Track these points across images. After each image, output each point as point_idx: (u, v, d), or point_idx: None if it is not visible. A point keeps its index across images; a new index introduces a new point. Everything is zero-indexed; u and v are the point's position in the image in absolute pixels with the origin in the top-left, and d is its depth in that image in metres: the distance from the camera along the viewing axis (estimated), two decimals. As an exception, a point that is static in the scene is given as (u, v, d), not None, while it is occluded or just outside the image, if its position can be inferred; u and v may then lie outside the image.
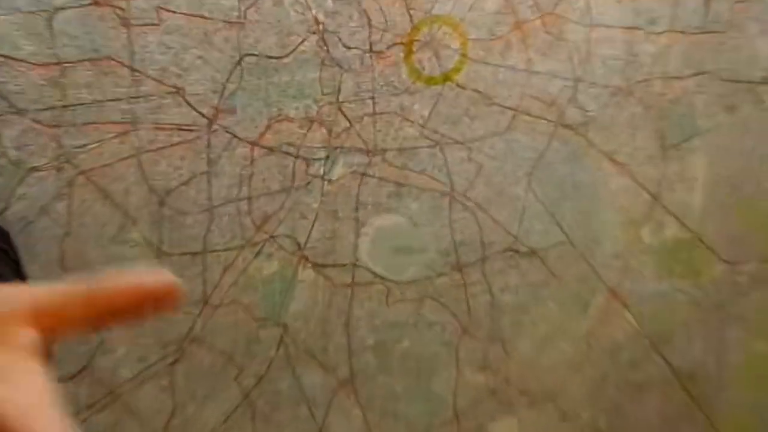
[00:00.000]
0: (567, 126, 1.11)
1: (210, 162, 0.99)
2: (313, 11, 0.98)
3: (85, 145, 0.93)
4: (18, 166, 0.92)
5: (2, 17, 0.88)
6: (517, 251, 1.14)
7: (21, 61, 0.89)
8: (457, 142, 1.07)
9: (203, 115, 0.97)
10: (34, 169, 0.92)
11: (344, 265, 1.07)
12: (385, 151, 1.05)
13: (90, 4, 0.91)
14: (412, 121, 1.05)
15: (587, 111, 1.12)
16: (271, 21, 0.97)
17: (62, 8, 0.90)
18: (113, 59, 0.93)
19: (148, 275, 0.26)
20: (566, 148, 1.12)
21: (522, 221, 1.13)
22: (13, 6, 0.88)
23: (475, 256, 1.12)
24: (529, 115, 1.09)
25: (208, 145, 0.98)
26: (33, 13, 0.89)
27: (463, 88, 1.05)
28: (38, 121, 0.91)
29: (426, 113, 1.05)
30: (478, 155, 1.09)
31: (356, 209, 1.06)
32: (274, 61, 0.98)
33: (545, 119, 1.10)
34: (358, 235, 1.07)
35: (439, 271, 1.11)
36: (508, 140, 1.09)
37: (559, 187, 1.13)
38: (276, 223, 1.03)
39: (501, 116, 1.08)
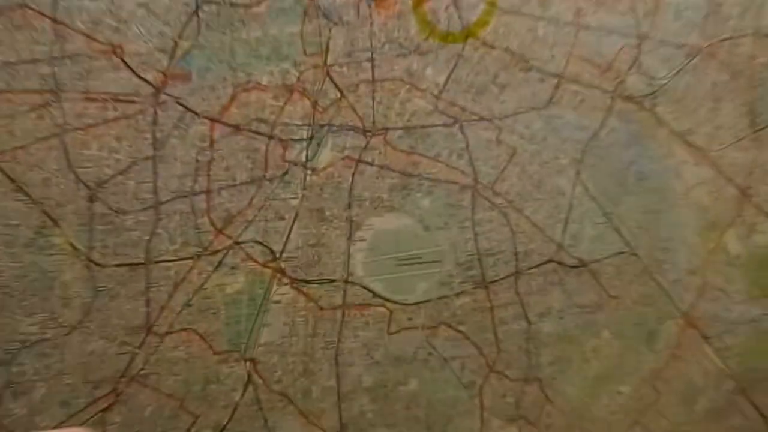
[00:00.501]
0: (628, 98, 1.11)
1: (157, 144, 0.99)
2: None
3: None
4: None
5: None
6: (561, 263, 1.14)
7: None
8: (482, 119, 1.07)
9: (147, 82, 0.97)
10: None
11: (333, 281, 1.07)
12: (387, 129, 1.05)
13: None
14: (424, 91, 1.05)
15: (655, 79, 1.12)
16: None
17: None
18: (29, 8, 0.92)
19: None
20: (627, 128, 1.12)
21: (568, 224, 1.13)
22: None
23: (506, 269, 1.13)
24: (577, 83, 1.09)
25: (154, 122, 0.98)
26: None
27: (491, 47, 1.06)
28: None
29: (441, 80, 1.05)
30: (510, 136, 1.09)
31: (349, 207, 1.06)
32: (241, 10, 0.98)
33: (599, 89, 1.10)
34: (351, 241, 1.07)
35: (459, 290, 1.11)
36: (550, 117, 1.09)
37: (618, 179, 1.13)
38: (243, 225, 1.03)
39: (540, 85, 1.08)
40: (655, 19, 1.10)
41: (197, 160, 1.00)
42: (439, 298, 1.11)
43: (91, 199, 0.98)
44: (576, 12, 1.08)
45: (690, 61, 1.12)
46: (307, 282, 1.07)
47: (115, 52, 0.95)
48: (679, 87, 1.13)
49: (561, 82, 1.09)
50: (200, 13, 0.97)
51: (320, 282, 1.07)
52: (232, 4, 0.98)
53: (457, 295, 1.11)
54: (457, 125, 1.07)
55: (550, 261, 1.14)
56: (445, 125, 1.07)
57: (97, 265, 0.99)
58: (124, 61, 0.96)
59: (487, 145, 1.09)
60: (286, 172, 1.03)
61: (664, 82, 1.12)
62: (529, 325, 1.14)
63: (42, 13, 0.93)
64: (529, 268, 1.13)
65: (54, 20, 0.93)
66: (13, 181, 0.95)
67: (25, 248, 0.96)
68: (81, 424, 1.00)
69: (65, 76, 0.94)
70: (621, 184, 1.14)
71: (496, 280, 1.12)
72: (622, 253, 1.16)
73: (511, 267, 1.13)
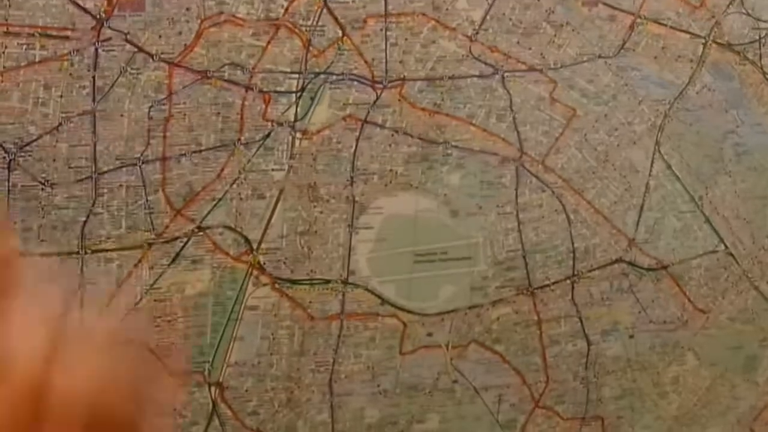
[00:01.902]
0: (726, 46, 1.13)
1: (97, 94, 1.00)
2: None
3: None
4: None
5: None
6: (633, 265, 1.15)
7: None
8: (531, 69, 1.09)
9: (86, 11, 0.97)
10: None
11: (327, 282, 1.08)
12: (404, 80, 1.06)
13: None
14: (453, 29, 1.06)
15: (761, 21, 1.13)
16: None
17: None
18: None
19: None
20: (724, 86, 1.14)
21: (643, 212, 1.14)
22: None
23: (560, 271, 1.14)
24: (658, 23, 1.11)
25: (94, 66, 0.99)
26: None
27: None
28: None
29: (478, 16, 1.07)
30: (569, 93, 1.10)
31: (351, 183, 1.08)
32: None
33: (688, 32, 1.12)
34: (353, 229, 1.08)
35: (495, 297, 1.12)
36: (622, 67, 1.11)
37: (711, 153, 1.15)
38: (209, 205, 1.04)
39: (611, 25, 1.10)
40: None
41: (150, 117, 1.01)
42: (470, 307, 1.12)
43: (10, 167, 0.98)
44: None
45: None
46: (294, 282, 1.08)
47: None
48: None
49: (637, 21, 1.11)
50: None
51: (311, 283, 1.08)
52: None
53: (494, 303, 1.12)
54: (497, 77, 1.09)
55: (618, 261, 1.15)
56: (481, 76, 1.08)
57: (17, 253, 0.99)
58: None
59: (538, 105, 1.10)
60: (267, 135, 1.05)
61: (775, 23, 1.14)
62: (588, 346, 1.15)
63: None
64: (590, 271, 1.14)
65: None
66: None
67: None
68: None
69: None
70: (715, 160, 1.16)
71: (545, 286, 1.14)
72: (715, 252, 1.17)
73: (567, 268, 1.14)
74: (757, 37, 1.14)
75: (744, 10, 1.13)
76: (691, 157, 1.15)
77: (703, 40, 1.12)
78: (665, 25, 1.11)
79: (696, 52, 1.13)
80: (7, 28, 0.96)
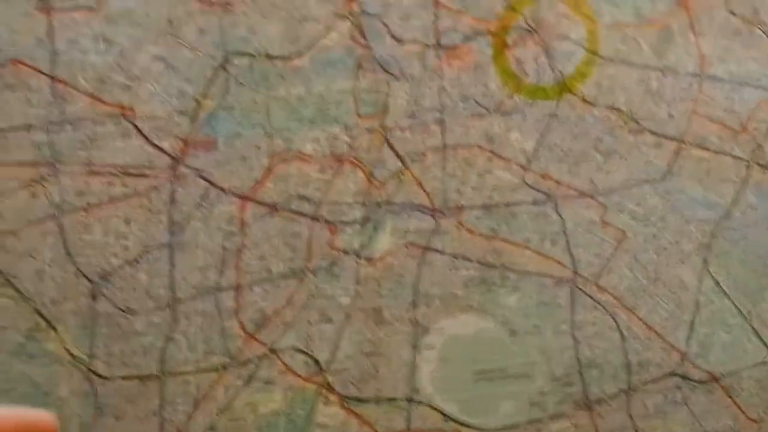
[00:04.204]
0: (767, 166, 1.12)
1: (174, 228, 0.98)
2: None
3: None
4: None
5: None
6: (685, 378, 1.09)
7: None
8: (582, 195, 1.06)
9: (164, 152, 0.97)
10: None
11: (393, 400, 1.03)
12: (462, 209, 1.03)
13: None
14: (508, 160, 1.04)
15: None
16: None
17: None
18: (23, 63, 0.93)
19: (26, 414, 0.33)
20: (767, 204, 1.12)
21: (694, 327, 1.08)
22: None
23: (615, 385, 1.08)
24: (703, 148, 1.06)
25: (172, 201, 0.98)
26: None
27: (592, 104, 1.05)
28: None
29: (530, 146, 1.04)
30: (619, 216, 1.07)
31: (414, 306, 1.03)
32: (279, 62, 0.98)
33: (731, 155, 1.07)
34: (416, 349, 1.03)
35: (554, 412, 1.06)
36: (669, 191, 1.07)
37: (757, 269, 1.10)
38: (281, 329, 1.00)
39: (656, 151, 1.07)
40: (802, 68, 1.13)
41: (224, 248, 0.99)
42: (530, 422, 1.07)
43: (94, 296, 0.97)
44: (699, 59, 1.06)
45: None
46: (361, 401, 1.04)
47: (125, 116, 0.96)
48: (834, 153, 1.15)
49: (682, 147, 1.07)
50: (229, 68, 0.98)
51: (377, 401, 1.04)
52: (268, 57, 0.98)
53: (552, 418, 1.07)
54: (550, 203, 1.06)
55: (671, 374, 1.09)
56: (535, 203, 1.06)
57: (100, 377, 0.97)
58: (135, 126, 0.96)
59: (589, 228, 1.07)
60: (334, 263, 1.02)
61: (816, 146, 1.14)
62: (645, 458, 1.13)
63: (38, 70, 0.94)
64: (645, 384, 1.08)
65: (52, 78, 0.94)
66: (0, 273, 0.95)
67: (13, 356, 0.96)
68: None
69: (64, 145, 0.95)
70: (761, 276, 1.11)
71: (602, 400, 1.08)
72: (764, 363, 1.11)
73: (622, 382, 1.08)
74: (799, 159, 1.14)
75: (784, 134, 1.13)
76: (738, 273, 1.10)
77: (746, 163, 1.09)
78: (709, 150, 1.08)
79: (739, 173, 1.09)
80: (91, 168, 0.96)
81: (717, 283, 1.10)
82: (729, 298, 1.10)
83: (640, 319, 1.08)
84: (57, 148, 0.95)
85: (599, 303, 1.08)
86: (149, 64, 0.96)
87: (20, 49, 0.93)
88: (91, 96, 0.95)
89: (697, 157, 1.07)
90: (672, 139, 1.07)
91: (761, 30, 1.07)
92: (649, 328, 1.09)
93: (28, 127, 0.94)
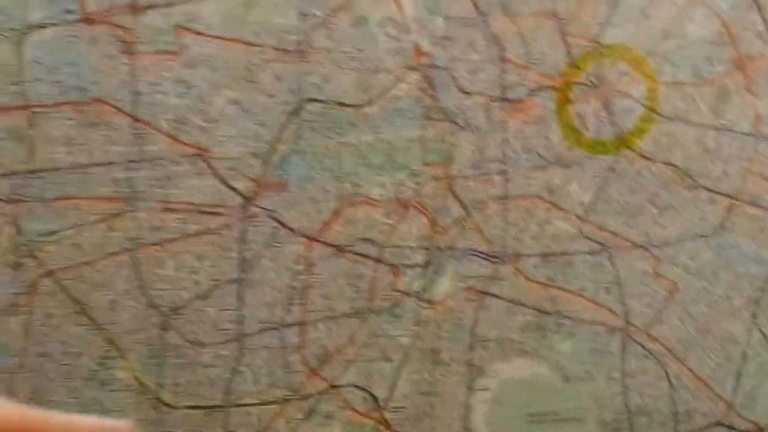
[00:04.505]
0: None
1: (243, 265, 0.96)
2: (415, 35, 0.96)
3: (55, 232, 0.92)
4: None
5: None
6: (731, 428, 1.06)
7: None
8: (637, 246, 1.02)
9: (237, 192, 0.95)
10: None
11: None
12: (520, 256, 1.01)
13: (79, 21, 0.90)
14: (567, 211, 1.01)
15: None
16: (348, 49, 0.95)
17: (39, 26, 0.90)
18: (106, 103, 0.91)
19: (106, 423, 0.33)
20: None
21: (741, 379, 1.05)
22: None
23: None
24: (756, 206, 1.04)
25: (242, 239, 0.95)
26: None
27: (650, 159, 1.02)
28: None
29: (588, 198, 1.02)
30: (672, 269, 1.03)
31: (471, 349, 1.00)
32: (350, 110, 0.96)
33: None
34: (472, 390, 1.00)
35: None
36: (721, 246, 1.04)
37: None
38: (342, 366, 0.98)
39: (710, 207, 1.04)
40: None
41: (291, 286, 0.97)
42: None
43: (164, 327, 0.95)
44: (755, 119, 1.04)
45: None
46: None
47: (201, 156, 0.94)
48: None
49: (735, 204, 1.05)
50: (302, 113, 0.95)
51: None
52: (340, 104, 0.96)
53: None
54: (605, 254, 1.03)
55: (717, 424, 1.06)
56: (591, 253, 1.03)
57: (167, 405, 0.95)
58: (210, 167, 0.94)
59: (643, 279, 1.03)
60: (395, 304, 0.99)
61: None
62: (691, 504, 1.09)
63: (121, 110, 0.92)
64: None
65: (134, 118, 0.92)
66: (76, 302, 0.93)
67: (85, 382, 0.94)
68: None
69: (142, 182, 0.93)
70: None
71: None
72: None
73: (669, 430, 1.05)
74: None
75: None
76: None
77: None
78: (762, 207, 1.05)
79: None
80: (167, 205, 0.94)
81: (765, 337, 1.06)
82: (776, 351, 1.09)
83: (689, 369, 1.04)
84: (135, 184, 0.92)
85: (650, 352, 1.04)
86: (226, 107, 0.93)
87: (104, 89, 0.90)
88: (170, 136, 0.92)
89: (750, 215, 1.04)
90: (726, 195, 1.03)
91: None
92: (698, 378, 1.04)
93: (109, 164, 0.92)
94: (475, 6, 0.96)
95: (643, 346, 1.03)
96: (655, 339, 1.03)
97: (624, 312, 1.02)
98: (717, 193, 1.02)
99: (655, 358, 1.04)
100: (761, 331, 1.06)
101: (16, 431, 0.33)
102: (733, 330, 1.05)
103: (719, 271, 1.04)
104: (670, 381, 1.04)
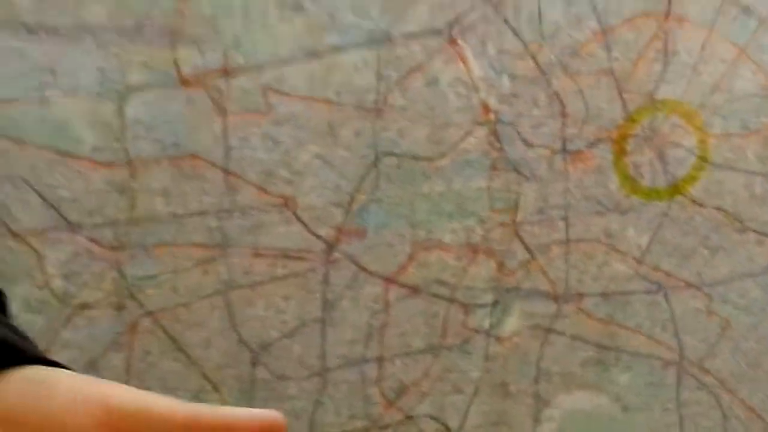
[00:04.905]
0: None
1: (326, 305, 0.94)
2: (482, 94, 0.94)
3: (155, 276, 0.91)
4: (64, 301, 0.91)
5: (61, 99, 0.87)
6: None
7: (81, 158, 0.89)
8: (690, 286, 0.99)
9: (320, 238, 0.93)
10: (85, 306, 0.91)
11: None
12: (582, 296, 0.98)
13: (176, 84, 0.90)
14: (624, 253, 0.98)
15: None
16: (422, 107, 0.94)
17: (138, 88, 0.90)
18: (201, 158, 0.90)
19: (253, 414, 0.29)
20: None
21: None
22: (75, 84, 0.88)
23: None
24: None
25: (325, 281, 0.94)
26: (100, 94, 0.89)
27: (701, 205, 0.99)
28: (95, 240, 0.91)
29: (645, 242, 0.99)
30: (723, 306, 1.00)
31: (536, 382, 0.97)
32: (423, 163, 0.94)
33: None
34: (538, 421, 0.97)
35: None
36: None
37: None
38: (417, 398, 0.95)
39: (759, 248, 1.00)
40: None
41: (370, 324, 0.95)
42: None
43: (254, 363, 0.93)
44: None
45: None
46: None
47: (287, 206, 0.92)
48: None
49: None
50: (380, 166, 0.93)
51: None
52: (414, 157, 0.93)
53: None
54: (661, 293, 1.00)
55: None
56: (647, 292, 1.00)
57: None
58: (296, 216, 0.92)
59: (696, 316, 1.00)
60: (467, 341, 0.96)
61: None
62: None
63: (213, 164, 0.90)
64: None
65: (225, 171, 0.90)
66: (173, 340, 0.91)
67: None
68: None
69: (233, 230, 0.92)
70: None
71: None
72: None
73: None
74: None
75: None
76: None
77: None
78: None
79: None
80: (256, 251, 0.92)
81: None
82: (823, 384, 0.97)
83: (741, 400, 0.98)
84: (227, 232, 0.90)
85: (703, 384, 0.98)
86: (310, 161, 0.90)
87: (198, 145, 0.89)
88: (258, 187, 0.90)
89: None
90: None
91: None
92: (749, 409, 0.98)
93: (203, 213, 0.90)
94: (538, 66, 0.92)
95: (696, 379, 0.98)
96: (708, 372, 0.98)
97: (679, 347, 0.98)
98: (765, 235, 0.97)
99: (708, 390, 0.98)
100: (808, 365, 0.96)
101: (177, 424, 0.29)
102: (782, 363, 0.96)
103: (766, 310, 0.98)
104: (723, 411, 0.98)
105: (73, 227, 0.88)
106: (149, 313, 0.90)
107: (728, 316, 0.99)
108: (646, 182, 0.95)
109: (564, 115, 0.93)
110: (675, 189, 0.95)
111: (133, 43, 0.89)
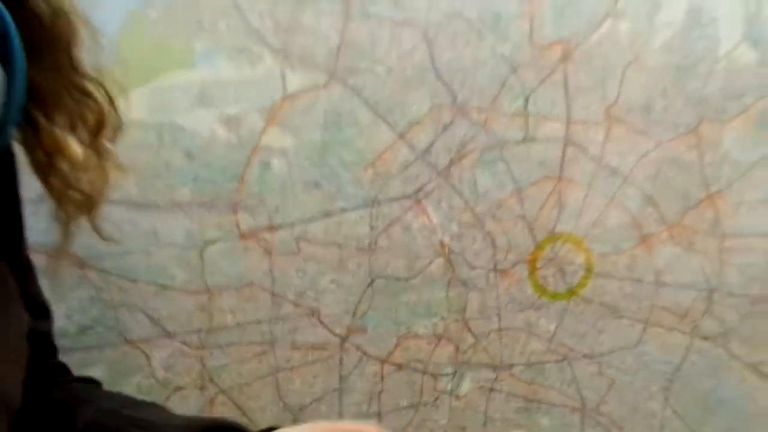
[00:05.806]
0: (704, 337, 1.07)
1: (342, 379, 1.03)
2: (440, 235, 1.02)
3: (226, 365, 0.99)
4: (165, 385, 0.98)
5: (159, 251, 0.94)
6: None
7: (175, 289, 0.97)
8: (585, 356, 1.07)
9: (336, 335, 1.02)
10: (179, 388, 0.99)
11: None
12: (512, 366, 1.06)
13: (237, 236, 0.97)
14: (539, 336, 1.06)
15: (725, 322, 1.08)
16: (400, 246, 1.01)
17: (212, 242, 0.97)
18: (256, 285, 0.99)
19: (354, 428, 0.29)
20: (705, 361, 1.07)
21: None
22: (171, 242, 0.96)
23: None
24: (660, 326, 1.07)
25: (340, 363, 1.03)
26: (187, 248, 0.96)
27: (589, 302, 1.06)
28: (186, 344, 0.98)
29: (552, 328, 1.06)
30: (609, 369, 1.08)
31: (485, 425, 1.06)
32: (403, 282, 1.03)
33: (679, 331, 1.07)
34: None
35: None
36: (640, 353, 1.08)
37: (701, 402, 1.09)
38: None
39: (630, 329, 1.07)
40: (722, 276, 1.06)
41: (371, 391, 1.04)
42: None
43: (294, 421, 1.01)
44: (656, 273, 1.07)
45: (756, 306, 1.07)
46: None
47: (314, 314, 1.01)
48: (746, 328, 1.08)
49: (647, 326, 1.08)
50: (373, 286, 1.02)
51: None
52: (396, 279, 1.02)
53: None
54: (566, 362, 1.08)
55: None
56: (557, 362, 1.07)
57: None
58: (320, 321, 1.01)
59: (591, 377, 1.08)
60: (436, 399, 1.05)
61: (734, 324, 1.08)
62: None
63: (264, 289, 0.99)
64: None
65: (272, 293, 1.00)
66: (239, 407, 1.01)
67: None
68: None
69: (278, 332, 1.00)
70: (704, 407, 1.10)
71: None
72: None
73: None
74: (725, 331, 1.08)
75: (714, 316, 1.08)
76: (689, 406, 1.10)
77: (689, 335, 1.08)
78: (664, 327, 1.08)
79: (685, 342, 1.09)
80: (294, 345, 1.01)
81: (675, 412, 1.10)
82: (683, 420, 1.10)
83: None
84: (274, 334, 1.01)
85: (599, 423, 1.09)
86: (328, 285, 1.00)
87: (254, 277, 0.97)
88: (295, 303, 0.99)
89: (656, 332, 1.07)
90: (640, 321, 1.07)
91: (693, 253, 1.05)
92: None
93: (258, 322, 1.00)
94: (475, 216, 1.01)
95: (595, 419, 1.10)
96: (602, 414, 1.09)
97: (581, 398, 1.08)
98: (634, 320, 1.08)
99: (603, 427, 1.10)
100: (671, 408, 1.10)
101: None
102: (653, 408, 1.10)
103: (640, 370, 1.08)
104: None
105: (170, 335, 0.97)
106: (223, 391, 1.00)
107: (613, 376, 1.09)
108: (551, 288, 1.05)
109: (494, 246, 1.03)
110: (571, 292, 1.06)
111: (209, 212, 0.95)
